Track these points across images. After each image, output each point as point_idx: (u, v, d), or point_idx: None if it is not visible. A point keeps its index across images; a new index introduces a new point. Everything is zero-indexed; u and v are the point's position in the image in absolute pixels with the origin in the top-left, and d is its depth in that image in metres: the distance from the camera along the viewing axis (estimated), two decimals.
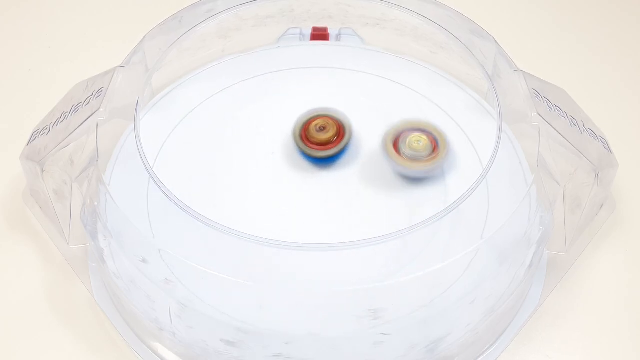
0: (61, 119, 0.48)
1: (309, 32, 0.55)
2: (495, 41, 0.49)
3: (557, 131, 0.46)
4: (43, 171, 0.47)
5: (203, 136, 0.50)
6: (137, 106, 0.46)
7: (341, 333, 0.42)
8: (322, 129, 0.48)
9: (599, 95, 0.58)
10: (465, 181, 0.43)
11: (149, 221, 0.45)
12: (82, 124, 0.46)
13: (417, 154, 0.47)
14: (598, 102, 0.57)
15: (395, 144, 0.47)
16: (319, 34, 0.55)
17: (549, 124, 0.46)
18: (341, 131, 0.48)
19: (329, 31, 0.55)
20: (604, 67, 0.60)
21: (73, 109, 0.48)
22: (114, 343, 0.46)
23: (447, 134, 0.48)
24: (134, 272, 0.43)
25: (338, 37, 0.55)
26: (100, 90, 0.47)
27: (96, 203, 0.45)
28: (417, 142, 0.47)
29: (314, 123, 0.48)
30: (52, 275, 0.48)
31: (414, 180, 0.47)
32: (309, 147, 0.48)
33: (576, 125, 0.48)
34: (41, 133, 0.48)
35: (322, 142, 0.48)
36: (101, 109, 0.46)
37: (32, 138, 0.49)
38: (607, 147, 0.49)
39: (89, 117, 0.46)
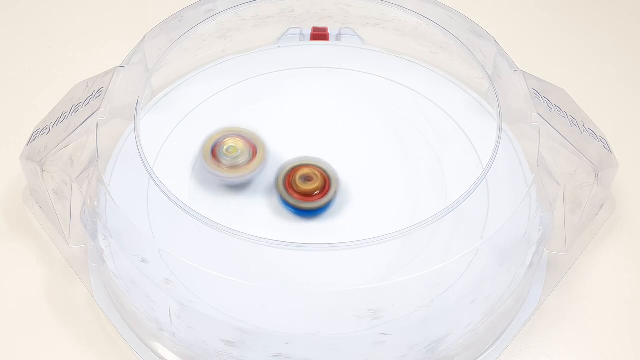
0: (61, 119, 0.48)
1: (309, 32, 0.55)
2: (495, 41, 0.49)
3: (557, 131, 0.46)
4: (43, 171, 0.47)
5: (203, 136, 0.50)
6: (137, 106, 0.46)
7: (341, 333, 0.42)
8: (308, 179, 0.47)
9: (599, 95, 0.58)
10: (465, 181, 0.43)
11: (149, 221, 0.45)
12: (82, 124, 0.46)
13: (235, 161, 0.47)
14: (598, 102, 0.57)
15: (214, 153, 0.48)
16: (319, 34, 0.55)
17: (549, 124, 0.46)
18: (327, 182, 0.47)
19: (329, 31, 0.55)
20: (604, 67, 0.60)
21: (73, 109, 0.48)
22: (114, 343, 0.46)
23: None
24: (134, 272, 0.43)
25: (338, 37, 0.55)
26: (100, 90, 0.47)
27: (96, 203, 0.45)
28: (234, 149, 0.47)
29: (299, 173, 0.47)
30: (52, 275, 0.48)
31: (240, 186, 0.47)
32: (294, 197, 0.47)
33: (576, 125, 0.48)
34: (41, 133, 0.48)
35: (307, 193, 0.47)
36: (101, 109, 0.46)
37: (32, 138, 0.49)
38: (607, 147, 0.49)
39: (89, 117, 0.46)
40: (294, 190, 0.46)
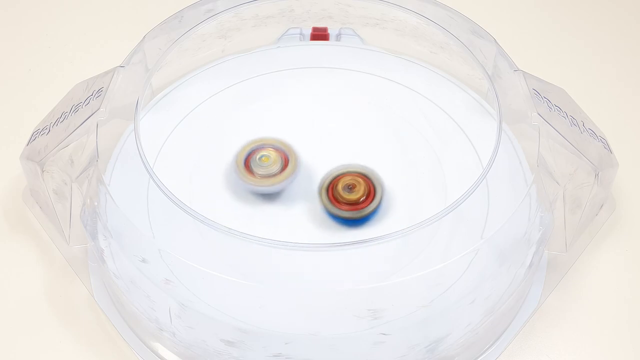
0: (61, 119, 0.48)
1: (309, 32, 0.55)
2: (495, 41, 0.49)
3: (557, 131, 0.46)
4: (43, 171, 0.47)
5: (203, 136, 0.50)
6: (137, 106, 0.46)
7: (341, 333, 0.42)
8: (351, 188, 0.46)
9: (599, 95, 0.58)
10: (465, 181, 0.43)
11: (149, 221, 0.45)
12: (82, 124, 0.46)
13: (269, 171, 0.47)
14: (598, 102, 0.57)
15: (247, 164, 0.47)
16: (319, 34, 0.55)
17: (549, 124, 0.46)
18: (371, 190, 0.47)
19: (329, 31, 0.55)
20: (604, 67, 0.60)
21: (73, 109, 0.48)
22: (114, 343, 0.46)
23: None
24: (134, 272, 0.43)
25: (338, 37, 0.55)
26: (100, 90, 0.47)
27: (96, 203, 0.45)
28: (267, 159, 0.47)
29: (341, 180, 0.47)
30: (52, 275, 0.48)
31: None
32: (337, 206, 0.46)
33: (576, 125, 0.48)
34: (41, 133, 0.48)
35: (351, 202, 0.46)
36: (101, 109, 0.46)
37: (32, 138, 0.49)
38: (607, 147, 0.49)
39: (89, 117, 0.46)
40: (338, 200, 0.46)
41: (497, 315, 0.44)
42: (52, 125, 0.48)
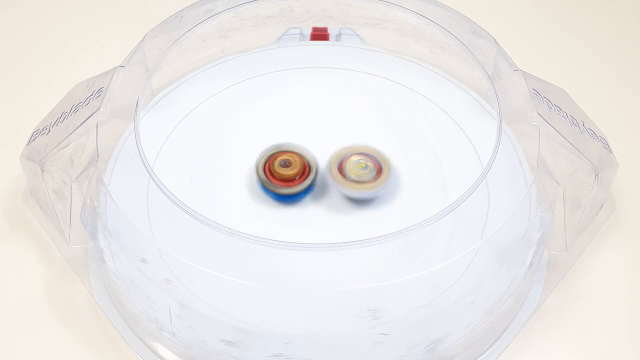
0: (61, 119, 0.48)
1: (309, 32, 0.55)
2: (495, 41, 0.49)
3: (557, 131, 0.46)
4: (43, 171, 0.47)
5: (203, 136, 0.50)
6: (137, 106, 0.46)
7: (341, 333, 0.42)
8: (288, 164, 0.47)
9: (599, 95, 0.58)
10: (465, 181, 0.43)
11: (149, 221, 0.45)
12: (82, 124, 0.46)
13: (361, 178, 0.47)
14: (598, 102, 0.57)
15: (340, 169, 0.47)
16: (319, 34, 0.55)
17: (549, 124, 0.46)
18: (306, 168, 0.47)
19: (329, 31, 0.55)
20: (604, 67, 0.60)
21: (73, 109, 0.48)
22: (114, 343, 0.46)
23: (390, 158, 0.48)
24: (134, 272, 0.43)
25: (338, 37, 0.55)
26: (100, 90, 0.47)
27: (96, 203, 0.45)
28: (363, 167, 0.47)
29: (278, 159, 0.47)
30: (52, 275, 0.48)
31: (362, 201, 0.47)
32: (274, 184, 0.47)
33: (576, 125, 0.48)
34: (41, 133, 0.48)
35: (287, 179, 0.47)
36: (101, 109, 0.46)
37: (32, 138, 0.49)
38: (607, 147, 0.49)
39: (89, 117, 0.46)
40: (274, 176, 0.46)
41: (497, 315, 0.44)
42: (52, 125, 0.48)
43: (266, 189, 0.47)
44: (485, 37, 0.49)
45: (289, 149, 0.48)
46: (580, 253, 0.49)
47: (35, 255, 0.49)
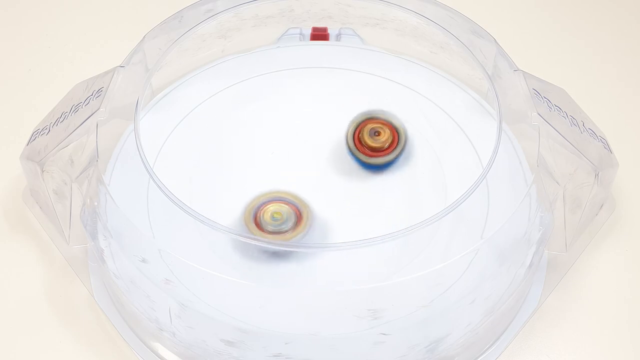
0: (61, 119, 0.48)
1: (308, 32, 0.55)
2: (495, 41, 0.49)
3: (557, 131, 0.46)
4: (43, 171, 0.47)
5: (203, 136, 0.50)
6: (137, 106, 0.46)
7: (341, 333, 0.42)
8: (377, 134, 0.48)
9: (599, 95, 0.58)
10: (465, 181, 0.43)
11: (149, 221, 0.45)
12: (82, 124, 0.46)
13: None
14: (598, 102, 0.57)
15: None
16: (319, 34, 0.55)
17: (549, 124, 0.46)
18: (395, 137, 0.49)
19: (329, 31, 0.55)
20: (604, 67, 0.60)
21: (73, 109, 0.48)
22: (114, 343, 0.46)
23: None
24: (134, 272, 0.43)
25: (338, 37, 0.55)
26: (100, 90, 0.47)
27: (96, 203, 0.45)
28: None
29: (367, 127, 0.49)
30: (52, 275, 0.48)
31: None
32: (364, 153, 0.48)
33: (576, 125, 0.48)
34: (41, 133, 0.48)
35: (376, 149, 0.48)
36: (101, 109, 0.46)
37: (32, 138, 0.49)
38: (607, 147, 0.49)
39: (89, 117, 0.46)
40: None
41: (497, 315, 0.44)
42: (52, 125, 0.48)
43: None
44: (485, 37, 0.49)
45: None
46: (580, 253, 0.49)
47: (35, 255, 0.49)
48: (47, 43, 0.62)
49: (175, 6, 0.51)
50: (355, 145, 0.49)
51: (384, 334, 0.41)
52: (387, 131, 0.49)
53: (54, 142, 0.46)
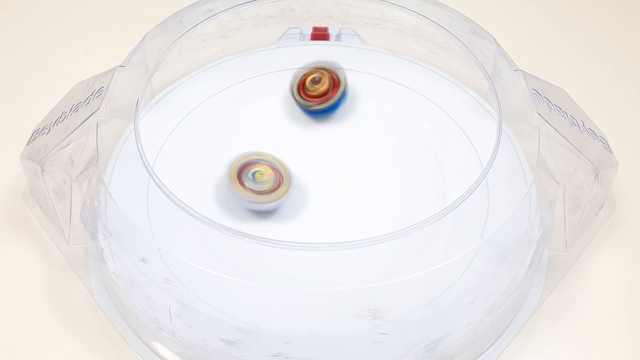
0: (61, 119, 0.48)
1: (309, 32, 0.55)
2: (495, 41, 0.49)
3: (557, 131, 0.46)
4: (43, 171, 0.47)
5: (203, 136, 0.50)
6: (137, 106, 0.46)
7: (341, 333, 0.42)
8: (317, 81, 0.49)
9: (599, 95, 0.58)
10: (465, 181, 0.43)
11: (149, 221, 0.45)
12: (82, 123, 0.46)
13: (262, 188, 0.46)
14: (598, 102, 0.57)
15: (240, 177, 0.46)
16: (319, 34, 0.55)
17: (549, 124, 0.46)
18: (335, 83, 0.50)
19: (329, 31, 0.55)
20: (604, 67, 0.60)
21: (73, 108, 0.48)
22: (114, 343, 0.46)
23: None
24: (134, 272, 0.43)
25: (338, 37, 0.55)
26: (100, 90, 0.47)
27: (96, 203, 0.45)
28: (261, 175, 0.46)
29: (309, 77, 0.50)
30: (52, 275, 0.48)
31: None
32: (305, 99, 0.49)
33: (576, 125, 0.48)
34: (41, 133, 0.48)
35: (318, 95, 0.49)
36: (101, 109, 0.46)
37: (32, 138, 0.49)
38: (607, 147, 0.49)
39: (89, 116, 0.46)
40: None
41: (497, 315, 0.44)
42: (52, 125, 0.48)
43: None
44: (485, 37, 0.49)
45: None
46: (580, 253, 0.49)
47: (35, 255, 0.49)
48: (47, 43, 0.62)
49: (175, 6, 0.51)
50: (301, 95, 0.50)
51: (383, 334, 0.41)
52: (327, 79, 0.50)
53: (54, 142, 0.46)
